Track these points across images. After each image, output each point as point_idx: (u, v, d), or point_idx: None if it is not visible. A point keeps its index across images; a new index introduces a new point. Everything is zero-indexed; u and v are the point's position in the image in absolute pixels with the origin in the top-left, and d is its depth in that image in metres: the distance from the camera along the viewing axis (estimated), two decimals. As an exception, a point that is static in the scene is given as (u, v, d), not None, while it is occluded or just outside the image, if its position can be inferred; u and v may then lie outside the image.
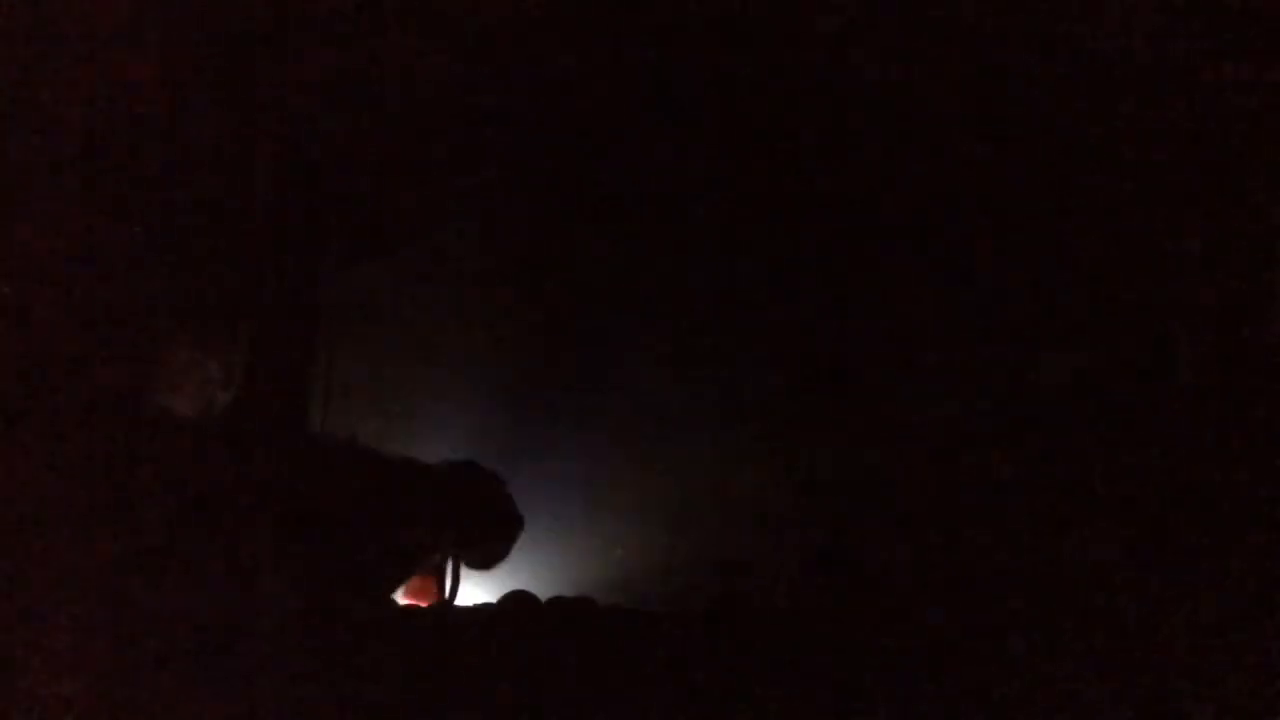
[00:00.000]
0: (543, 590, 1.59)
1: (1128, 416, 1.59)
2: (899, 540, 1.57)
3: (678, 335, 1.73)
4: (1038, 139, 1.68)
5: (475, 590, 1.63)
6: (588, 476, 1.71)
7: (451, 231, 1.78)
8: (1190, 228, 1.61)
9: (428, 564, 1.57)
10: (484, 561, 1.62)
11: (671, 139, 1.75)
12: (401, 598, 1.53)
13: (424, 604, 1.58)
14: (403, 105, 1.79)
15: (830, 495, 1.62)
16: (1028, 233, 1.67)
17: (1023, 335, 1.64)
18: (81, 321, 1.25)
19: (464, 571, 1.61)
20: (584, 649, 1.43)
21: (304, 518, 1.30)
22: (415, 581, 1.55)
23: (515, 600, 1.50)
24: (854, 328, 1.68)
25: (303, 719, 1.33)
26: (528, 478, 1.64)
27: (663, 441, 1.71)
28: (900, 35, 1.72)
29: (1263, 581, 1.50)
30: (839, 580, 1.55)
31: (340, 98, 1.79)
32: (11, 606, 1.11)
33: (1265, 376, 1.53)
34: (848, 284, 1.71)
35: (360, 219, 1.75)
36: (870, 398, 1.66)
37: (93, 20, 1.28)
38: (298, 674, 1.36)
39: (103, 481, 1.19)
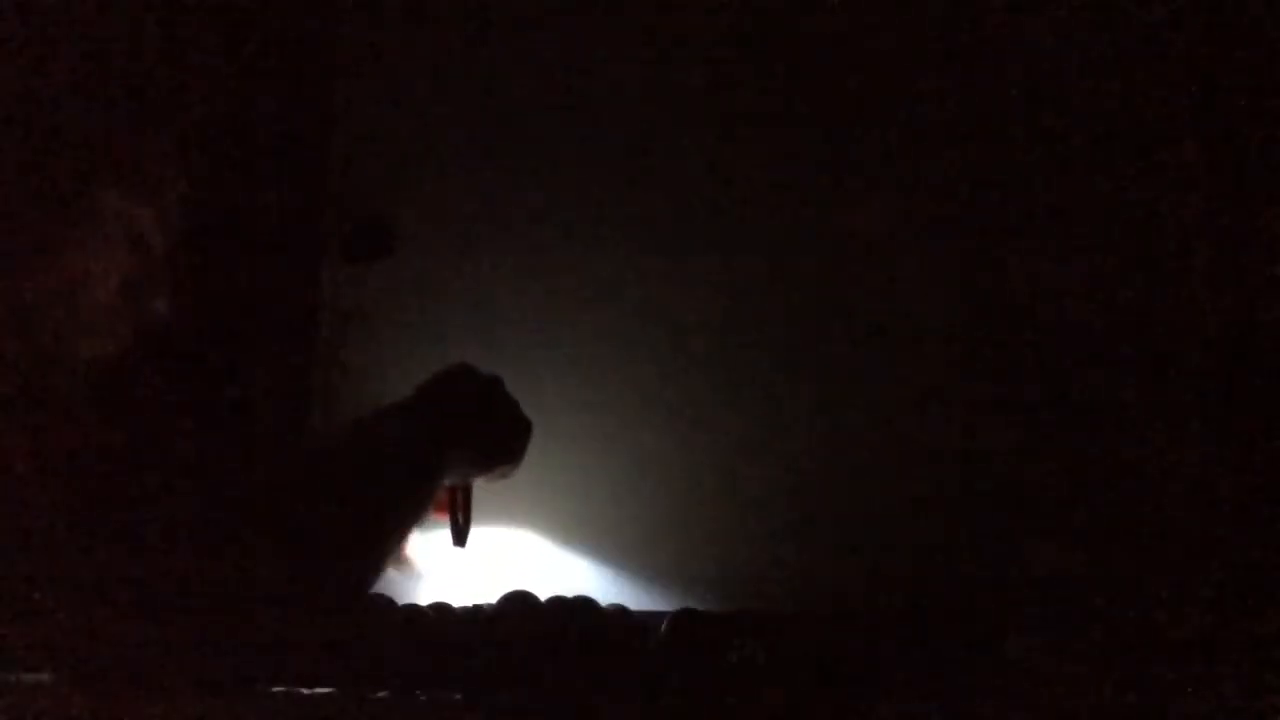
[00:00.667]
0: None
1: (1129, 413, 1.59)
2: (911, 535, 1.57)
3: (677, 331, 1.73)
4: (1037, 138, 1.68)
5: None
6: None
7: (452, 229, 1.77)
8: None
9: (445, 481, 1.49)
10: (499, 472, 1.53)
11: (671, 138, 1.75)
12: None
13: (443, 517, 1.50)
14: (405, 102, 1.79)
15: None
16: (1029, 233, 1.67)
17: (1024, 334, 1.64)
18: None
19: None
20: (584, 649, 1.43)
21: (309, 506, 1.27)
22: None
23: (515, 600, 1.50)
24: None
25: (302, 719, 1.33)
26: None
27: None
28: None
29: (1263, 581, 1.50)
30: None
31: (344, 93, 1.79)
32: (11, 606, 1.11)
33: (1266, 376, 1.53)
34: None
35: (361, 218, 1.75)
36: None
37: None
38: (296, 674, 1.36)
39: (103, 472, 1.19)
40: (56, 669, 1.07)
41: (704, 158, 1.75)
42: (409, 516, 1.37)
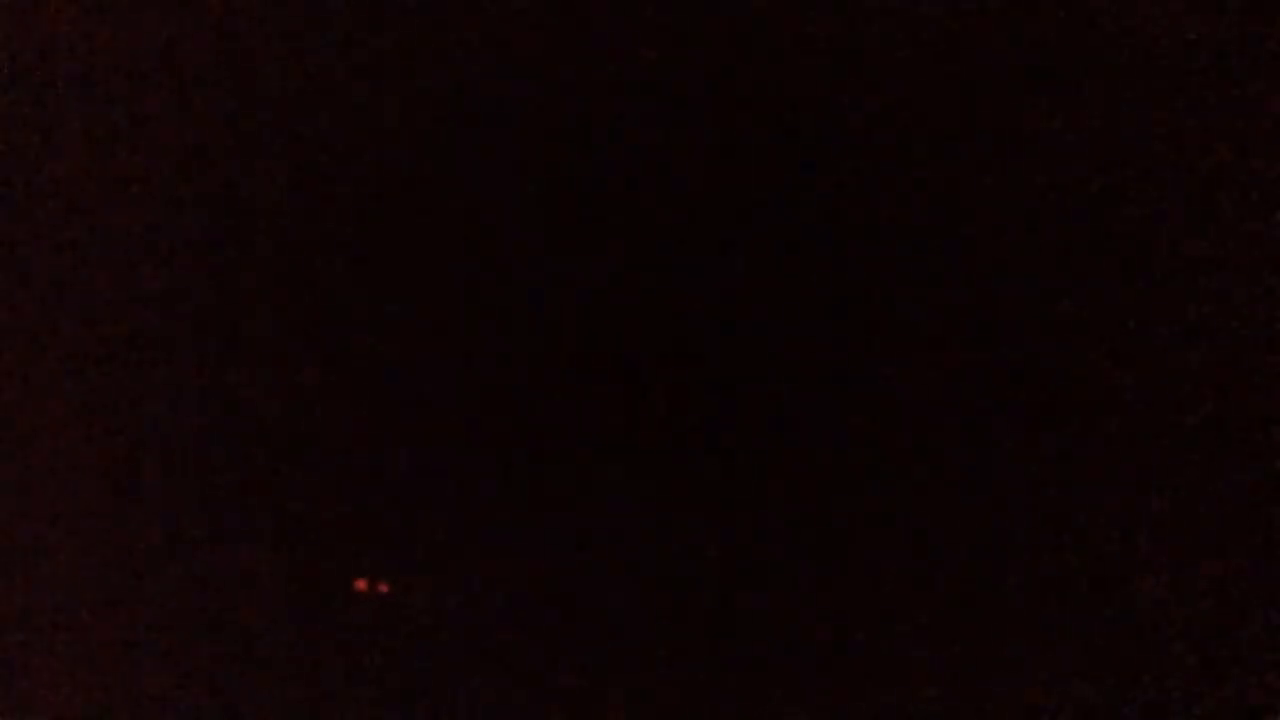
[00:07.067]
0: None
1: (1127, 412, 1.59)
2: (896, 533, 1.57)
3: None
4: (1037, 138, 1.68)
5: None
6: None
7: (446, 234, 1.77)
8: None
9: None
10: None
11: (670, 144, 1.75)
12: None
13: None
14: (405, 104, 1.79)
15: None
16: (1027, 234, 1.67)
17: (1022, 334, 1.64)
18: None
19: None
20: (584, 648, 1.43)
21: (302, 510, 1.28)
22: None
23: (514, 600, 1.50)
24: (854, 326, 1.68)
25: (300, 717, 1.33)
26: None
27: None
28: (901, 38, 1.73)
29: (1263, 579, 1.50)
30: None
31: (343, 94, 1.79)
32: (11, 607, 1.11)
33: (1266, 377, 1.53)
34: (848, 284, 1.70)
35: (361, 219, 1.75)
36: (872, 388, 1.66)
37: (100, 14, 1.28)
38: (295, 673, 1.36)
39: (103, 479, 1.19)
40: (58, 669, 1.07)
41: (706, 159, 1.75)
42: None
